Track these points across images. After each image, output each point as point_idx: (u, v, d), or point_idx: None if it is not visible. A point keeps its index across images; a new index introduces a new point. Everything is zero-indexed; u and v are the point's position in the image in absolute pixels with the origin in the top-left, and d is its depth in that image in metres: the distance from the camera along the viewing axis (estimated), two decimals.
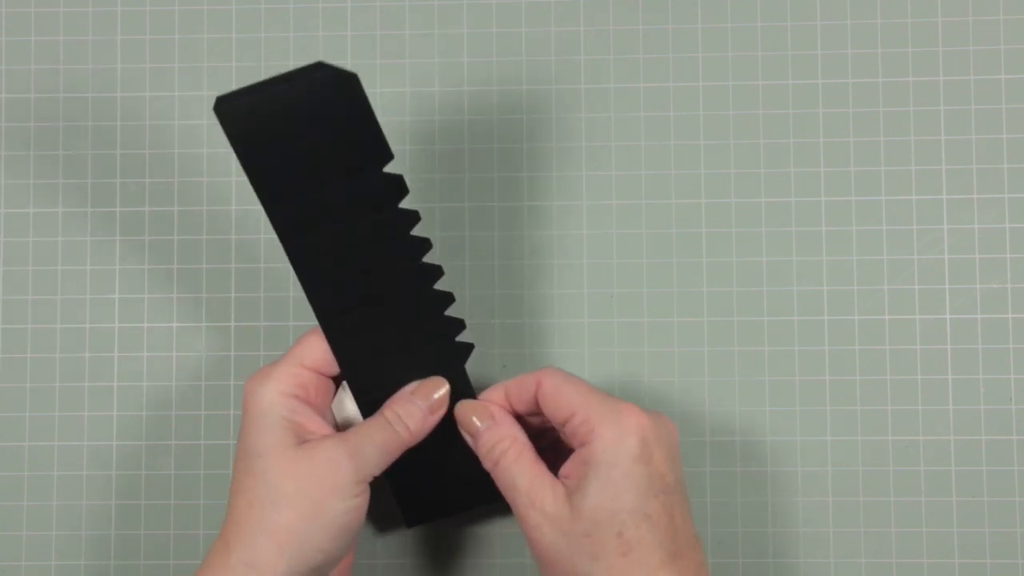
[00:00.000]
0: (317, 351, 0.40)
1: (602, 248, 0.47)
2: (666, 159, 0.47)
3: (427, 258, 0.40)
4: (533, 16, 0.48)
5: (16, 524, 0.47)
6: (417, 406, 0.40)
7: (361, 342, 0.40)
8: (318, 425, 0.39)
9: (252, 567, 0.37)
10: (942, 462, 0.46)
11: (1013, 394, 0.46)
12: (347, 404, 0.42)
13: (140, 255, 0.47)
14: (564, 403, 0.38)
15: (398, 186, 0.38)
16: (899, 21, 0.47)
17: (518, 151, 0.47)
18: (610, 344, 0.46)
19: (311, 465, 0.38)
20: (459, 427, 0.41)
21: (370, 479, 0.39)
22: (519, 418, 0.41)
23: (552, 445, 0.42)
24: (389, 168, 0.38)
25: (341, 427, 0.42)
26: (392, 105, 0.47)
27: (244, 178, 0.47)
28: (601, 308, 0.47)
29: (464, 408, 0.40)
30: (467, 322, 0.41)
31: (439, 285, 0.40)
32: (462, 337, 0.41)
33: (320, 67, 0.36)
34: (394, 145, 0.38)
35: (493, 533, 0.46)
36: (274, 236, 0.47)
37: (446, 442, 0.41)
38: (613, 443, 0.37)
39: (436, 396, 0.40)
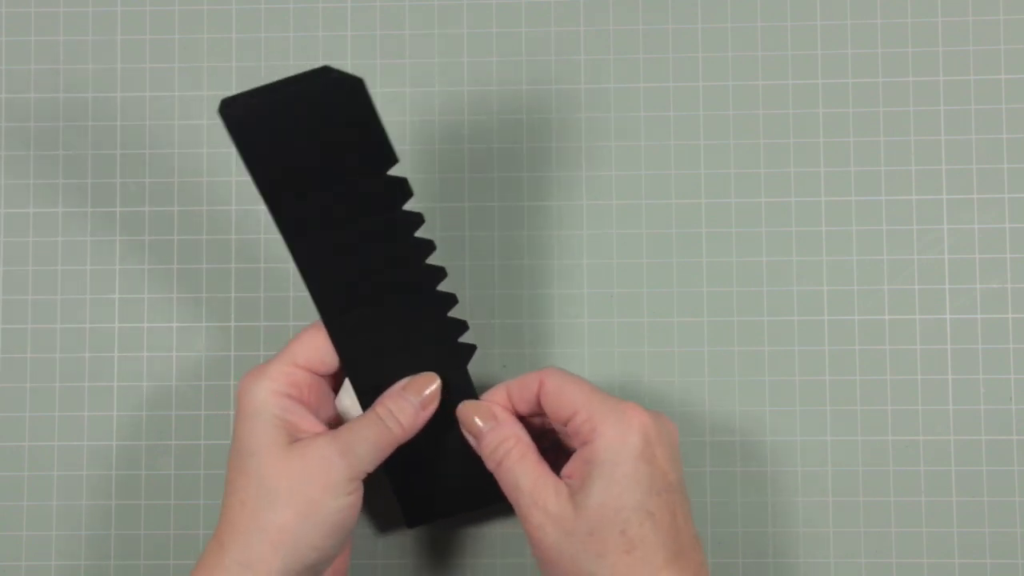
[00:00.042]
0: (310, 350, 0.40)
1: (602, 248, 0.47)
2: (666, 159, 0.47)
3: (430, 260, 0.40)
4: (533, 16, 0.48)
5: (16, 524, 0.47)
6: (409, 402, 0.40)
7: (364, 342, 0.40)
8: (311, 424, 0.39)
9: (247, 566, 0.37)
10: (942, 462, 0.46)
11: (1013, 394, 0.46)
12: (346, 400, 0.42)
13: (140, 255, 0.47)
14: (566, 402, 0.38)
15: (402, 189, 0.38)
16: (899, 21, 0.47)
17: (518, 151, 0.47)
18: (610, 344, 0.46)
19: (304, 463, 0.38)
20: (462, 428, 0.41)
21: (363, 476, 0.39)
22: (521, 419, 0.41)
23: (552, 446, 0.42)
24: (392, 171, 0.38)
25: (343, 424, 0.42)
26: (392, 105, 0.47)
27: (244, 178, 0.47)
28: (601, 308, 0.47)
29: (467, 409, 0.40)
30: (467, 322, 0.41)
31: (442, 287, 0.40)
32: (464, 338, 0.41)
33: (325, 71, 0.36)
34: (394, 145, 0.38)
35: (493, 533, 0.46)
36: (274, 236, 0.47)
37: (447, 443, 0.41)
38: (616, 441, 0.37)
39: (427, 392, 0.40)
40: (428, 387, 0.40)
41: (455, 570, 0.46)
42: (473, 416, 0.40)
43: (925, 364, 0.46)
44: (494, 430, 0.40)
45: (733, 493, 0.46)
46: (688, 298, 0.46)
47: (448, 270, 0.41)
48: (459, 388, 0.41)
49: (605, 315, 0.47)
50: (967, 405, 0.46)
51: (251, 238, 0.47)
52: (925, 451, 0.46)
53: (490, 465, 0.39)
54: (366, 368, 0.41)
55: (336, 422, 0.42)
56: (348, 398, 0.41)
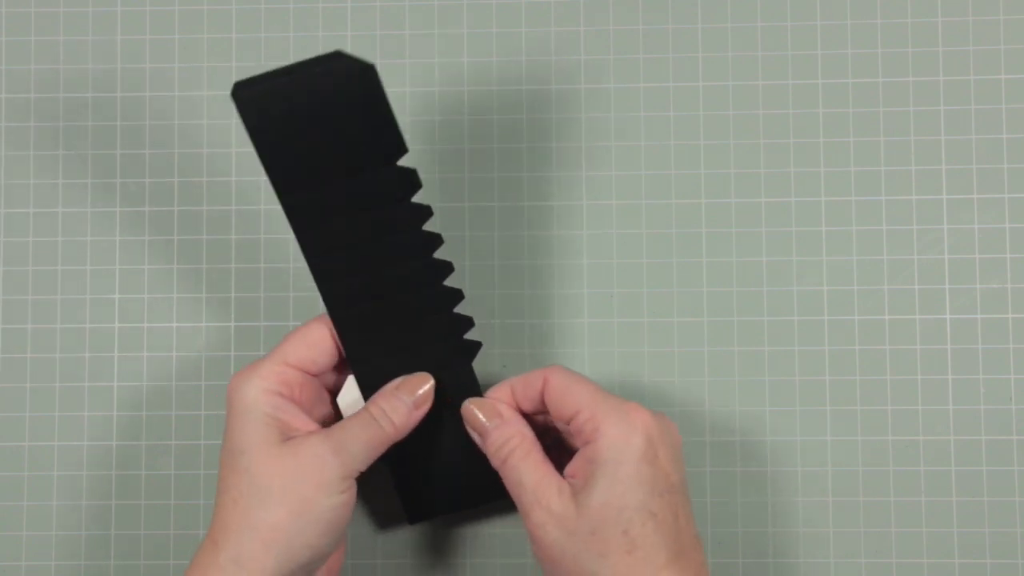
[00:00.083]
0: (302, 349, 0.40)
1: (602, 248, 0.47)
2: (666, 159, 0.47)
3: (436, 254, 0.40)
4: (533, 16, 0.48)
5: (16, 524, 0.47)
6: (402, 401, 0.40)
7: (370, 336, 0.40)
8: (303, 422, 0.39)
9: (240, 565, 0.37)
10: (942, 462, 0.46)
11: (1013, 394, 0.46)
12: (348, 397, 0.42)
13: (140, 255, 0.47)
14: (570, 400, 0.38)
15: (411, 180, 0.38)
16: (899, 21, 0.47)
17: (518, 151, 0.47)
18: (610, 344, 0.46)
19: (296, 462, 0.38)
20: (466, 425, 0.41)
21: (356, 474, 0.39)
22: (524, 417, 0.41)
23: (555, 444, 0.42)
24: (402, 162, 0.38)
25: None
26: (392, 105, 0.47)
27: (244, 178, 0.47)
28: (601, 308, 0.47)
29: (471, 406, 0.40)
30: (473, 319, 0.41)
31: (448, 282, 0.40)
32: (470, 335, 0.41)
33: (338, 56, 0.36)
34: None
35: (493, 533, 0.46)
36: (274, 236, 0.47)
37: (451, 439, 0.41)
38: (619, 441, 0.37)
39: (421, 392, 0.40)
40: (421, 387, 0.40)
41: (455, 569, 0.46)
42: (478, 413, 0.40)
43: (925, 364, 0.46)
44: (499, 427, 0.40)
45: (733, 493, 0.46)
46: (688, 298, 0.46)
47: None
48: (464, 385, 0.41)
49: (605, 315, 0.47)
50: (967, 405, 0.46)
51: (251, 238, 0.47)
52: (925, 451, 0.46)
53: (494, 462, 0.39)
54: (371, 362, 0.40)
55: (329, 421, 0.42)
56: (350, 395, 0.41)
